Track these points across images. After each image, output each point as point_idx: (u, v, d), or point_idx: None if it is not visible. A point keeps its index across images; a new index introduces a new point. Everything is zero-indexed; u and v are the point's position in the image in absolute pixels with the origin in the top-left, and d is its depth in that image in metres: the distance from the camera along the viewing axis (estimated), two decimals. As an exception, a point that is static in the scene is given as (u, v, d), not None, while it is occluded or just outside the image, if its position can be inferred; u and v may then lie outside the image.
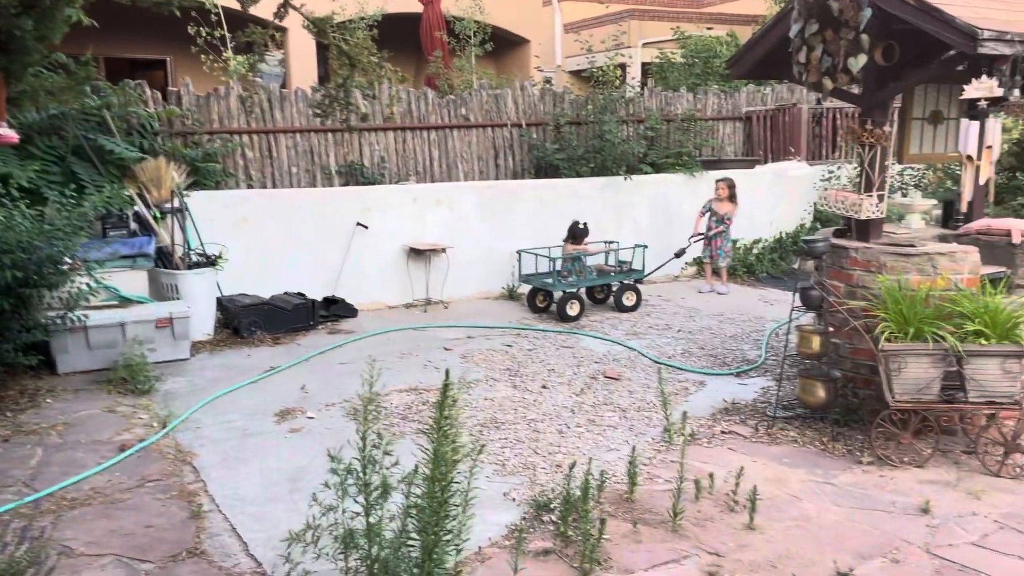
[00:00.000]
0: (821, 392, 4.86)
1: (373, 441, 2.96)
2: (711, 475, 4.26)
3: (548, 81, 10.64)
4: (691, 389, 5.81)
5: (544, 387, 5.80)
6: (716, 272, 9.00)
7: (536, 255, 8.02)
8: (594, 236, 8.43)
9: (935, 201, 5.82)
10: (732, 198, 8.66)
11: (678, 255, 8.55)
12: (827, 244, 4.94)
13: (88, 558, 3.60)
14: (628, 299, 8.08)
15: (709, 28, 15.10)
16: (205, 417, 5.31)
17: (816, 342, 4.89)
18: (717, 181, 8.67)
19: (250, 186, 8.34)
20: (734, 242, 9.75)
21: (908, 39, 4.84)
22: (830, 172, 10.34)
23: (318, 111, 5.80)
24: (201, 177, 7.80)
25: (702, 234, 8.57)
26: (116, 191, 6.29)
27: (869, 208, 4.95)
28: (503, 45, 15.90)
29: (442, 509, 2.84)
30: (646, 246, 8.46)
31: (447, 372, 2.93)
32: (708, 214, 8.78)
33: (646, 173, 9.62)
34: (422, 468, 2.95)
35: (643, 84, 13.62)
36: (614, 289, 8.17)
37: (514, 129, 9.63)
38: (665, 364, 6.31)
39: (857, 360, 5.01)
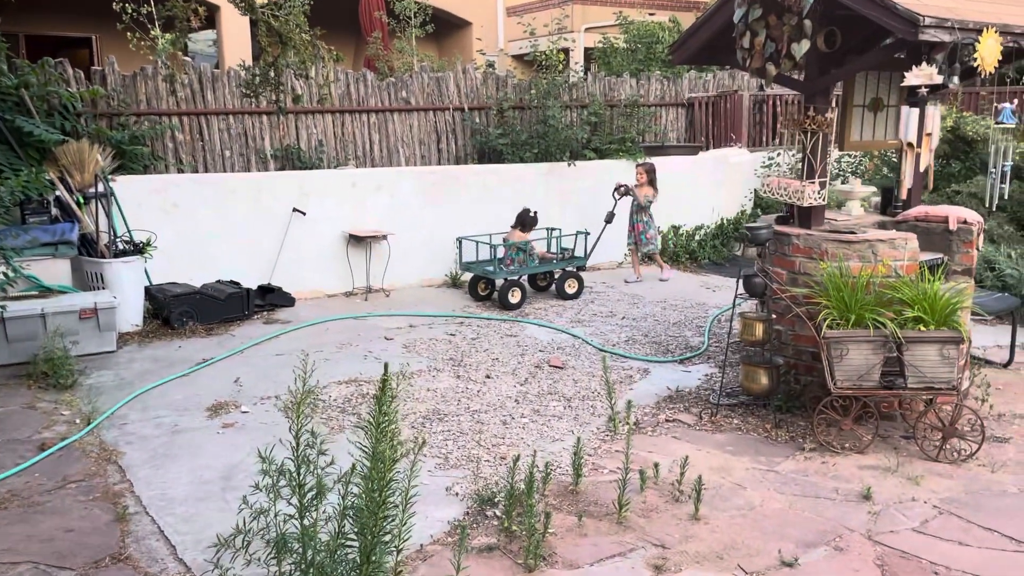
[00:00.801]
0: (764, 379, 4.88)
1: (308, 440, 2.81)
2: (656, 465, 4.23)
3: (491, 65, 10.74)
4: (635, 377, 5.81)
5: (488, 377, 5.76)
6: (648, 259, 8.98)
7: (477, 242, 7.96)
8: (539, 223, 8.36)
9: (874, 188, 5.88)
10: (652, 183, 8.62)
11: (608, 220, 8.48)
12: (770, 231, 4.94)
13: (2, 567, 3.38)
14: (570, 287, 8.08)
15: (651, 14, 15.13)
16: (132, 413, 5.12)
17: (759, 329, 4.90)
18: (637, 166, 8.66)
19: (180, 170, 8.10)
20: (672, 232, 9.82)
21: (850, 25, 4.85)
22: (770, 159, 10.47)
23: (247, 91, 5.58)
24: (128, 161, 7.55)
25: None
26: (35, 175, 5.98)
27: (811, 195, 4.97)
28: (444, 27, 15.69)
29: (380, 509, 2.72)
30: (588, 233, 8.46)
31: (386, 366, 2.79)
32: (631, 202, 8.71)
33: (590, 159, 9.63)
34: (360, 466, 2.81)
35: (586, 69, 13.61)
36: (556, 276, 8.16)
37: (456, 113, 9.55)
38: (609, 352, 6.31)
39: (799, 347, 5.04)
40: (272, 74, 5.24)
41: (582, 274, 8.31)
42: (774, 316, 5.04)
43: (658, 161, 9.46)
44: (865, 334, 4.36)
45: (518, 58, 16.61)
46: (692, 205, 10.04)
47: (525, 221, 8.00)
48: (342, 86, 8.93)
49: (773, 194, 5.10)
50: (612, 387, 5.20)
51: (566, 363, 6.07)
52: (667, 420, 5.00)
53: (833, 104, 5.11)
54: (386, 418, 2.97)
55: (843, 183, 5.99)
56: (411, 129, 9.35)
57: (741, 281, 5.00)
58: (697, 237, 10.12)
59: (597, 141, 9.89)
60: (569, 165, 9.30)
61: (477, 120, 9.61)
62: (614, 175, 9.54)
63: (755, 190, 10.59)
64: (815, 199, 4.99)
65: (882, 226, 5.28)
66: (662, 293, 8.35)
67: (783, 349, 5.11)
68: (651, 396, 5.41)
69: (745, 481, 4.19)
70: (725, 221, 10.31)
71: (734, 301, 5.17)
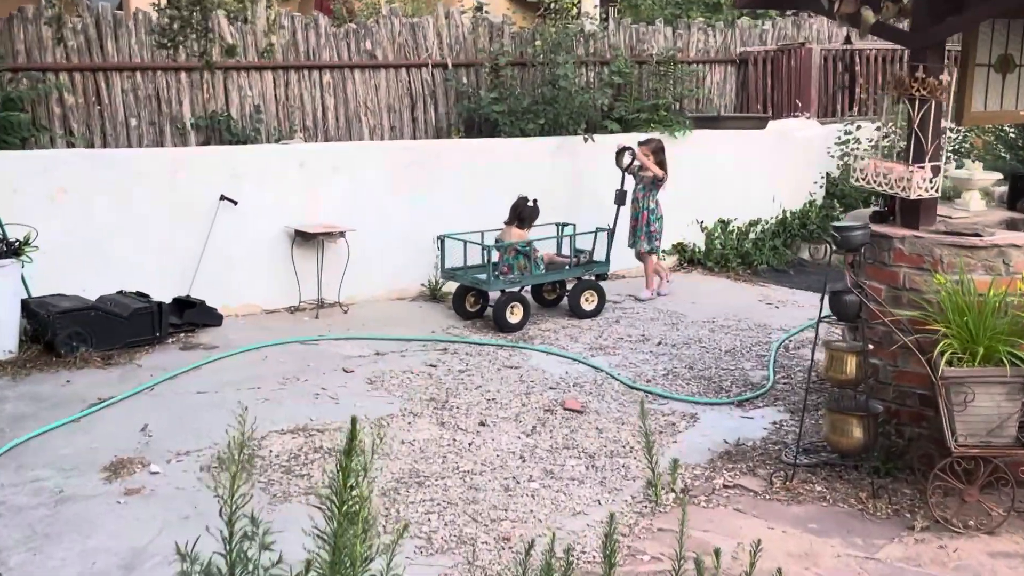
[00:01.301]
0: (857, 431, 4.72)
1: (246, 528, 2.58)
2: (716, 552, 4.01)
3: (481, 8, 10.53)
4: (680, 425, 5.69)
5: (482, 424, 5.65)
6: (641, 259, 8.80)
7: (465, 242, 7.85)
8: (544, 216, 8.27)
9: (999, 175, 5.72)
10: (660, 165, 8.54)
11: (620, 202, 8.36)
12: (866, 233, 4.77)
13: None
14: (588, 301, 8.03)
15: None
16: (2, 473, 4.95)
17: (850, 364, 4.73)
18: (640, 144, 8.58)
19: (71, 144, 8.04)
20: (718, 229, 9.89)
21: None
22: (847, 133, 10.42)
23: (163, 40, 5.40)
24: (0, 132, 7.46)
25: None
26: None
27: (920, 184, 4.79)
28: (420, -41, 15.59)
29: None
30: (611, 229, 8.36)
31: (353, 421, 2.56)
32: (635, 182, 8.59)
33: (612, 132, 9.58)
34: (317, 560, 2.59)
35: (606, 14, 13.49)
36: (569, 288, 8.11)
37: (437, 71, 9.54)
38: (644, 390, 6.23)
39: (905, 388, 4.92)
40: (197, 18, 5.06)
41: (603, 284, 8.22)
42: (870, 346, 4.87)
43: (705, 137, 9.36)
44: (998, 373, 4.21)
45: (517, 1, 16.46)
46: (745, 194, 9.99)
47: (524, 214, 7.91)
48: (287, 34, 8.87)
49: (868, 183, 4.93)
50: (651, 439, 5.02)
51: (586, 406, 5.96)
52: (726, 485, 4.87)
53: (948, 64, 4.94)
54: (353, 493, 2.76)
55: (959, 167, 5.82)
56: (377, 91, 9.32)
57: (827, 298, 4.84)
58: (752, 235, 10.10)
59: (622, 108, 9.88)
60: (585, 140, 9.22)
61: (464, 80, 9.59)
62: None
63: (827, 173, 10.57)
64: (926, 190, 4.81)
65: (1011, 225, 5.13)
66: (710, 310, 8.31)
67: (882, 391, 4.98)
68: (702, 451, 5.29)
69: (837, 573, 4.00)
70: (789, 214, 10.29)
71: (817, 328, 4.98)
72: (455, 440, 5.40)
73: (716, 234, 9.96)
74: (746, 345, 7.29)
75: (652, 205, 8.58)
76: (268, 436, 5.38)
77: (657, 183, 8.49)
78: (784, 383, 6.40)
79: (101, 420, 5.67)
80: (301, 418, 5.68)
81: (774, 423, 5.71)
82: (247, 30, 8.52)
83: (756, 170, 10.09)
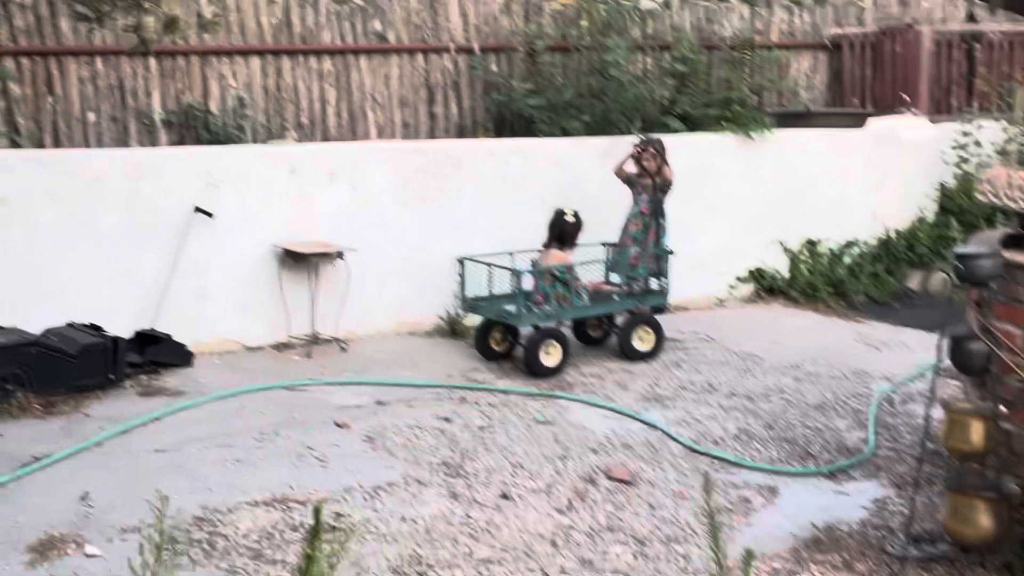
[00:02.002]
0: (984, 518, 4.52)
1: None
2: (802, 677, 3.72)
3: None
4: (755, 502, 5.48)
5: (504, 497, 5.47)
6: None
7: (490, 265, 7.80)
8: (589, 233, 8.19)
9: None
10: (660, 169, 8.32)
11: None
12: (996, 262, 4.49)
13: None
14: (642, 340, 7.94)
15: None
16: None
17: (976, 431, 4.54)
18: (635, 146, 8.29)
19: (15, 144, 8.07)
20: (805, 252, 9.78)
21: None
22: (966, 134, 10.27)
23: (84, 11, 5.23)
24: None
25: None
26: None
27: (1066, 200, 4.47)
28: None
29: None
30: (672, 252, 8.22)
31: (316, 512, 2.28)
32: (639, 197, 8.27)
33: (675, 131, 9.49)
34: None
35: None
36: (619, 323, 8.00)
37: (461, 57, 9.52)
38: (710, 455, 6.08)
39: (1047, 463, 4.62)
40: None
41: (661, 319, 8.13)
42: (1002, 408, 4.63)
43: (789, 137, 9.15)
44: None
45: (560, -27, 16.43)
46: (839, 208, 9.89)
47: (565, 231, 7.85)
48: (278, 11, 8.87)
49: (999, 198, 4.65)
50: (717, 521, 4.74)
51: (637, 475, 5.78)
52: (815, 584, 4.67)
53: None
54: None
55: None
56: (388, 81, 9.33)
57: (946, 346, 4.65)
58: (847, 259, 9.99)
59: (686, 102, 9.79)
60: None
61: (494, 68, 9.59)
62: (713, 157, 9.42)
63: (941, 184, 10.43)
64: (1074, 206, 4.50)
65: None
66: (792, 352, 8.18)
67: (1018, 466, 4.71)
68: (783, 538, 5.06)
69: None
70: (892, 234, 10.18)
71: (933, 384, 4.69)
72: (470, 517, 5.21)
73: (802, 257, 9.79)
74: (839, 398, 7.10)
75: (662, 220, 8.26)
76: (237, 509, 5.23)
77: (665, 189, 8.23)
78: (888, 448, 6.19)
79: (32, 485, 5.53)
80: (279, 486, 5.53)
81: (876, 501, 5.47)
82: (226, 4, 8.46)
83: (852, 179, 9.97)
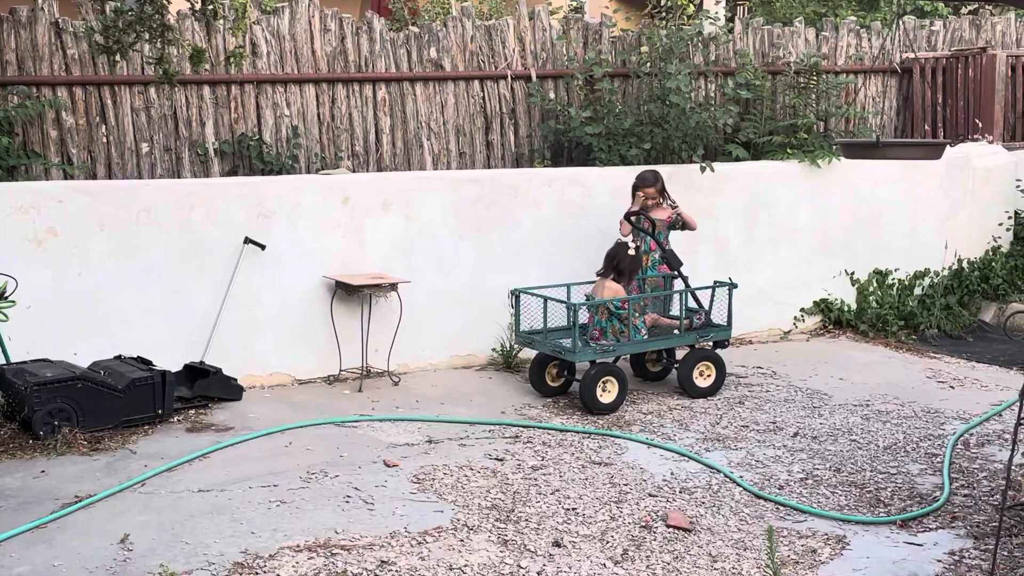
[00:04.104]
0: None
1: None
2: None
3: (578, 8, 10.48)
4: (822, 553, 5.26)
5: (557, 545, 5.30)
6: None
7: (546, 298, 7.72)
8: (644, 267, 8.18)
9: None
10: (662, 203, 8.24)
11: (677, 263, 8.01)
12: None
13: None
14: (703, 375, 7.85)
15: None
16: None
17: None
18: (641, 188, 8.19)
19: (68, 175, 8.03)
20: (873, 282, 9.68)
21: None
22: None
23: (102, 44, 5.10)
24: None
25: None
26: None
27: None
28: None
29: None
30: (735, 285, 8.08)
31: None
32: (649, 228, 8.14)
33: (738, 159, 9.48)
34: None
35: (732, 15, 13.21)
36: (679, 358, 7.89)
37: (518, 84, 9.41)
38: (774, 501, 5.88)
39: None
40: (149, 9, 4.72)
41: (723, 353, 7.99)
42: None
43: (855, 166, 8.91)
44: None
45: (621, -3, 16.35)
46: (909, 237, 9.84)
47: (622, 264, 7.74)
48: (333, 39, 8.81)
49: None
50: (782, 574, 4.60)
51: (696, 522, 5.59)
52: (886, 647, 4.40)
53: None
54: None
55: None
56: (444, 109, 9.24)
57: None
58: (918, 291, 9.90)
59: (749, 130, 9.73)
60: (703, 169, 9.06)
61: (552, 96, 9.49)
62: (777, 186, 9.37)
63: (1015, 212, 10.38)
64: None
65: None
66: (862, 389, 8.02)
67: None
68: None
69: None
70: (966, 264, 10.07)
71: (1016, 430, 4.41)
72: (520, 567, 5.03)
73: (871, 289, 9.66)
74: (911, 439, 6.88)
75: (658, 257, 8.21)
76: (279, 554, 5.10)
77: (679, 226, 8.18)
78: (964, 495, 5.95)
79: (73, 526, 5.44)
80: (323, 530, 5.41)
81: (952, 554, 5.23)
82: (276, 25, 8.43)
83: (923, 207, 9.87)
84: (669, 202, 8.19)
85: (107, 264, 7.41)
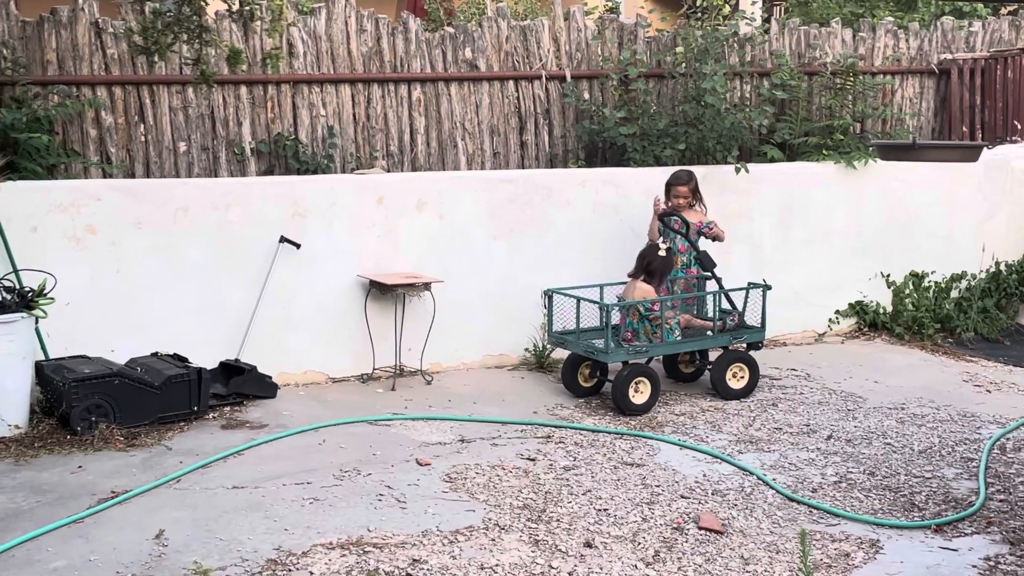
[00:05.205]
0: None
1: None
2: None
3: (613, 9, 10.52)
4: (856, 557, 5.20)
5: (588, 545, 5.27)
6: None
7: (579, 299, 7.68)
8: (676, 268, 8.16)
9: None
10: (694, 204, 8.20)
11: (711, 265, 7.99)
12: None
13: None
14: (736, 377, 7.80)
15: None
16: None
17: None
18: (676, 185, 8.22)
19: (106, 173, 8.06)
20: (910, 285, 9.62)
21: None
22: None
23: (140, 45, 5.11)
24: (20, 157, 7.49)
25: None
26: None
27: None
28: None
29: None
30: (769, 287, 8.06)
31: None
32: (671, 231, 8.09)
33: (773, 160, 9.43)
34: None
35: (768, 15, 13.16)
36: (712, 359, 7.89)
37: (552, 84, 9.37)
38: (807, 504, 5.84)
39: None
40: (187, 11, 4.73)
41: (756, 355, 7.94)
42: None
43: (894, 165, 8.88)
44: None
45: (656, -3, 16.28)
46: (946, 240, 9.79)
47: (653, 264, 7.70)
48: (368, 40, 8.79)
49: None
50: None
51: (728, 524, 5.54)
52: (920, 653, 4.35)
53: None
54: None
55: None
56: (478, 109, 9.21)
57: None
58: (955, 293, 9.82)
59: (785, 131, 9.65)
60: (737, 170, 9.01)
61: (586, 96, 9.44)
62: (812, 187, 9.33)
63: None
64: None
65: None
66: (897, 392, 7.95)
67: None
68: None
69: None
70: (1003, 268, 10.00)
71: None
72: (551, 568, 5.00)
73: (906, 291, 9.58)
74: (947, 443, 6.81)
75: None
76: (311, 551, 5.10)
77: (709, 226, 8.11)
78: (1000, 500, 5.88)
79: (109, 521, 5.46)
80: (356, 527, 5.40)
81: (987, 559, 5.17)
82: (318, 33, 8.41)
83: (960, 209, 9.80)
84: (701, 207, 8.17)
85: (144, 262, 7.44)
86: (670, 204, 8.08)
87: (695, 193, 8.18)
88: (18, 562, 4.97)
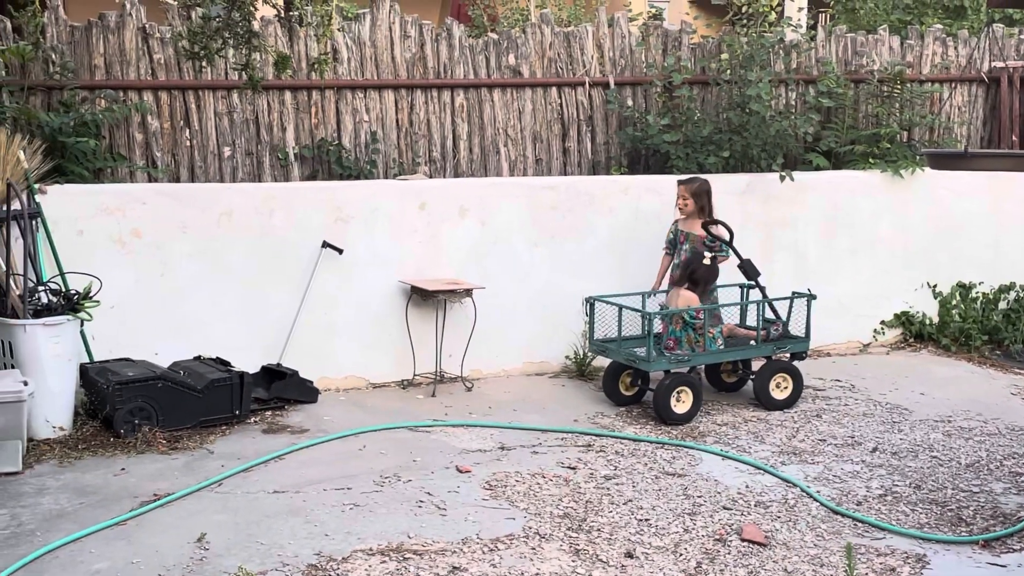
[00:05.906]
0: None
1: None
2: None
3: (657, 16, 10.45)
4: (901, 571, 5.13)
5: (629, 556, 5.24)
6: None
7: (621, 307, 7.67)
8: (725, 275, 8.06)
9: None
10: (702, 212, 7.95)
11: (755, 272, 7.81)
12: None
13: None
14: (780, 387, 7.72)
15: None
16: None
17: None
18: (681, 185, 8.05)
19: (151, 177, 8.13)
20: (957, 295, 9.50)
21: None
22: None
23: (188, 50, 5.13)
24: (68, 161, 7.56)
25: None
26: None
27: None
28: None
29: None
30: (814, 297, 7.98)
31: None
32: (678, 247, 8.00)
33: (818, 168, 9.35)
34: None
35: (815, 22, 13.01)
36: (755, 369, 7.80)
37: (596, 91, 9.31)
38: (852, 517, 5.76)
39: None
40: (238, 16, 4.75)
41: (800, 365, 7.87)
42: None
43: (941, 174, 8.76)
44: None
45: (700, 3, 16.19)
46: (994, 250, 9.66)
47: (697, 273, 7.70)
48: (412, 46, 8.80)
49: None
50: None
51: (771, 536, 5.48)
52: (967, 672, 4.26)
53: None
54: None
55: None
56: (521, 116, 9.19)
57: None
58: (1003, 305, 9.67)
59: (831, 139, 9.55)
60: (783, 178, 8.98)
61: (629, 103, 9.39)
62: (858, 196, 9.26)
63: None
64: None
65: None
66: (943, 404, 7.85)
67: None
68: None
69: None
70: None
71: None
72: None
73: (953, 302, 9.46)
74: (995, 457, 6.71)
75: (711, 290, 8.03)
76: (351, 557, 5.11)
77: (711, 244, 7.91)
78: None
79: (151, 524, 5.50)
80: (396, 534, 5.40)
81: None
82: (362, 39, 8.44)
83: (1008, 219, 9.67)
84: (706, 220, 7.90)
85: (188, 265, 7.51)
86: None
87: (698, 199, 7.96)
88: (61, 563, 5.00)
